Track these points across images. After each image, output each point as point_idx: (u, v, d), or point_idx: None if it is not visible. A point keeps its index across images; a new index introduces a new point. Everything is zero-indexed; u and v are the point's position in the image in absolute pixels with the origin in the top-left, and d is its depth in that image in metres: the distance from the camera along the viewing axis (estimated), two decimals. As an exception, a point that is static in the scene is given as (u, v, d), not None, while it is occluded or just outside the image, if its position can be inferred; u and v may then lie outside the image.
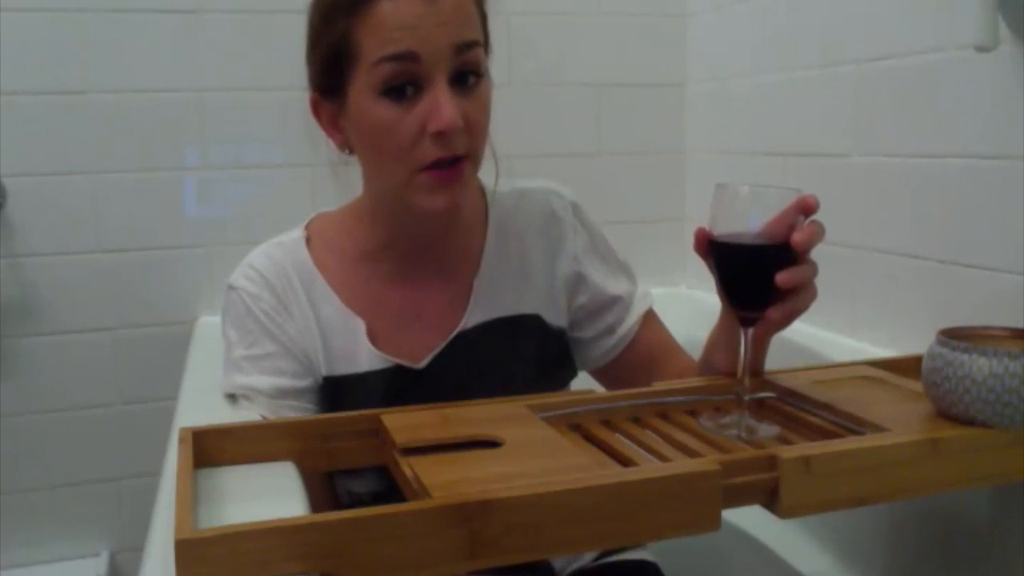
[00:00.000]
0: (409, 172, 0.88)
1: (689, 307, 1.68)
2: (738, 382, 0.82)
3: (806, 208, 0.77)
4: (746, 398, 0.81)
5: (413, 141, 0.87)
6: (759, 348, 0.88)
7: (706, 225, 0.79)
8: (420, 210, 0.90)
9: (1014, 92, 1.07)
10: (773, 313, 0.78)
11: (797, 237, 0.76)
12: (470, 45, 0.87)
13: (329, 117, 0.94)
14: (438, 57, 0.85)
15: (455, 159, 0.88)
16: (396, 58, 0.85)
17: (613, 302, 1.05)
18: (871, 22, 1.32)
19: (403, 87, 0.86)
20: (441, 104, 0.85)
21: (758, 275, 0.77)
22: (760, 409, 0.87)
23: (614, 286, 1.05)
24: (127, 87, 1.58)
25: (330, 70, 0.90)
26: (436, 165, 0.87)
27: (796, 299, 0.79)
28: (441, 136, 0.86)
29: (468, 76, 0.88)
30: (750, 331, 0.80)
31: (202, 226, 1.65)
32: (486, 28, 0.94)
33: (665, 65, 1.87)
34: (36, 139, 1.56)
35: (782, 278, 0.76)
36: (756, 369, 0.89)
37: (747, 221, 0.77)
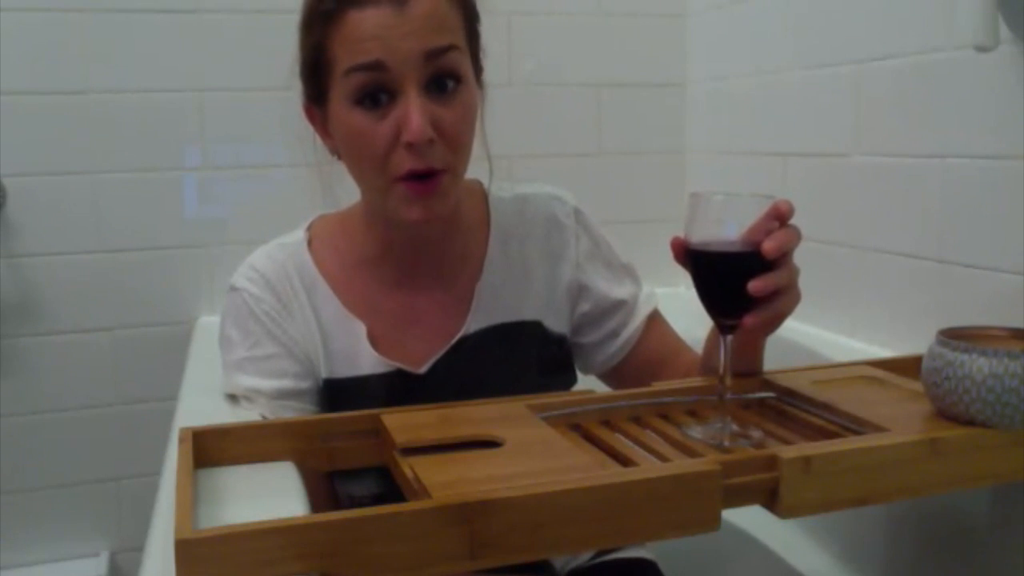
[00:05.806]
0: (386, 181, 0.88)
1: (689, 307, 1.66)
2: (719, 387, 0.81)
3: (779, 215, 0.76)
4: (726, 397, 0.80)
5: (387, 150, 0.87)
6: (752, 351, 0.88)
7: (682, 234, 0.78)
8: (398, 219, 0.91)
9: (1014, 92, 1.07)
10: (749, 320, 0.77)
11: (767, 244, 0.75)
12: (444, 50, 0.86)
13: (320, 124, 0.95)
14: (407, 65, 0.85)
15: (431, 172, 0.87)
16: (364, 68, 0.85)
17: (617, 307, 1.05)
18: (871, 22, 1.32)
19: (376, 95, 0.86)
20: (410, 114, 0.84)
21: (733, 283, 0.77)
22: (760, 409, 0.87)
23: (618, 291, 1.05)
24: (127, 87, 1.58)
25: (312, 79, 0.92)
26: (412, 176, 0.87)
27: (774, 305, 0.78)
28: (412, 147, 0.85)
29: (445, 81, 0.87)
30: (730, 338, 0.80)
31: (202, 226, 1.65)
32: (474, 31, 0.93)
33: (665, 65, 1.87)
34: (36, 139, 1.55)
35: (754, 286, 0.75)
36: (754, 370, 0.89)
37: (723, 229, 0.77)
